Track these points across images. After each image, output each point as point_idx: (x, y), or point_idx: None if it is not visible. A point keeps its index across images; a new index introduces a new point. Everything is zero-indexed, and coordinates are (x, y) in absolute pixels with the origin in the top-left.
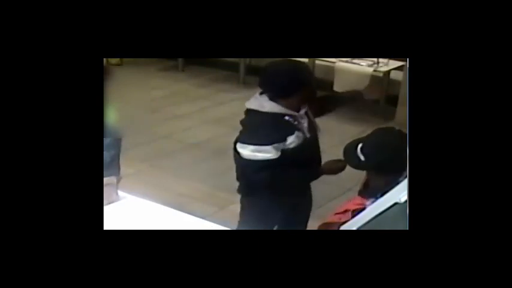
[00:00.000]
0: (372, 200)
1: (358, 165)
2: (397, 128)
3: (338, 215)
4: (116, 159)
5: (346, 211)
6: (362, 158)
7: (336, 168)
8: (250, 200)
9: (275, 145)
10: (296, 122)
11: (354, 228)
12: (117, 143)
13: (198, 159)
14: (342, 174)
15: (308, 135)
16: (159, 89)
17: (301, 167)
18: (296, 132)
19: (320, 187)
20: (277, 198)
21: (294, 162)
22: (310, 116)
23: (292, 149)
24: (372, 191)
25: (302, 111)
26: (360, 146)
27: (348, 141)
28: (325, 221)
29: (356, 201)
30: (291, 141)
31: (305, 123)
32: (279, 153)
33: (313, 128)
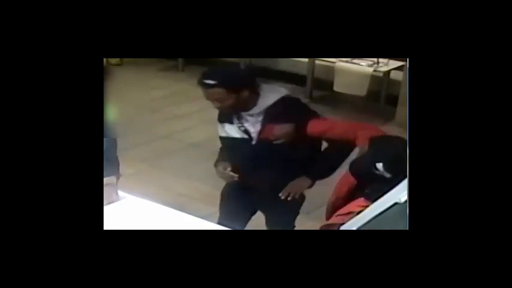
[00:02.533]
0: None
1: (383, 181)
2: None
3: (341, 217)
4: (111, 158)
5: (349, 213)
6: (388, 175)
7: (226, 176)
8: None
9: (219, 124)
10: (230, 116)
11: (354, 228)
12: (112, 142)
13: (198, 159)
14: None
15: (249, 139)
16: (159, 89)
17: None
18: (227, 125)
19: (320, 187)
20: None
21: (226, 151)
22: (267, 127)
23: (228, 138)
24: (376, 192)
25: (250, 112)
26: (379, 165)
27: None
28: (328, 222)
29: (359, 203)
30: (228, 128)
31: (250, 125)
32: (221, 134)
33: (264, 140)
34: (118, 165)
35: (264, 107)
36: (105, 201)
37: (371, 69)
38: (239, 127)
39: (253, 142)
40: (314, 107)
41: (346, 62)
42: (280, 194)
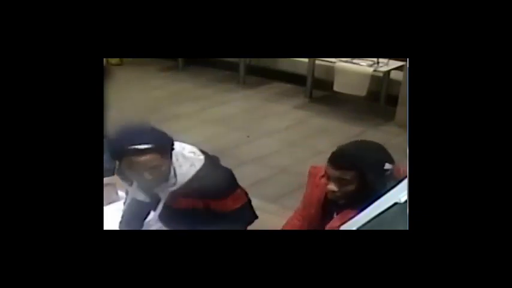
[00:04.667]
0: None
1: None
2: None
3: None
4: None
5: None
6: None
7: None
8: None
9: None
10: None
11: (354, 228)
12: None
13: None
14: None
15: (151, 204)
16: (159, 89)
17: None
18: (127, 185)
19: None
20: None
21: (129, 210)
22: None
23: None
24: (359, 199)
25: (155, 190)
26: (386, 165)
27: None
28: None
29: (346, 215)
30: (133, 187)
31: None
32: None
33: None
34: (114, 166)
35: (178, 185)
36: (105, 201)
37: (371, 69)
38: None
39: (156, 208)
40: (314, 107)
41: (346, 62)
42: None
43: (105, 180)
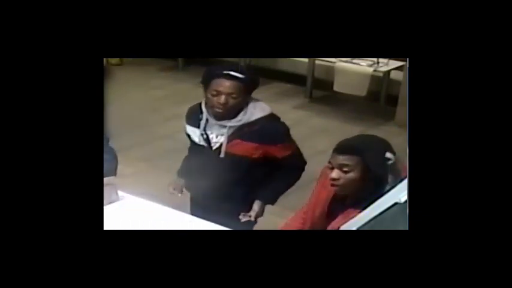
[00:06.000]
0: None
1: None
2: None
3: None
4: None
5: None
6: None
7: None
8: None
9: (185, 123)
10: (203, 122)
11: (354, 228)
12: (105, 142)
13: None
14: None
15: (207, 148)
16: (159, 89)
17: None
18: (197, 130)
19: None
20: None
21: (194, 156)
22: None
23: (195, 143)
24: (362, 198)
25: (222, 122)
26: (388, 154)
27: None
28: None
29: (349, 214)
30: (191, 131)
31: (213, 134)
32: (187, 132)
33: (228, 153)
34: (115, 166)
35: (243, 121)
36: (105, 201)
37: (371, 69)
38: (201, 134)
39: (219, 154)
40: (314, 107)
41: (346, 62)
42: (240, 217)
43: (105, 180)
